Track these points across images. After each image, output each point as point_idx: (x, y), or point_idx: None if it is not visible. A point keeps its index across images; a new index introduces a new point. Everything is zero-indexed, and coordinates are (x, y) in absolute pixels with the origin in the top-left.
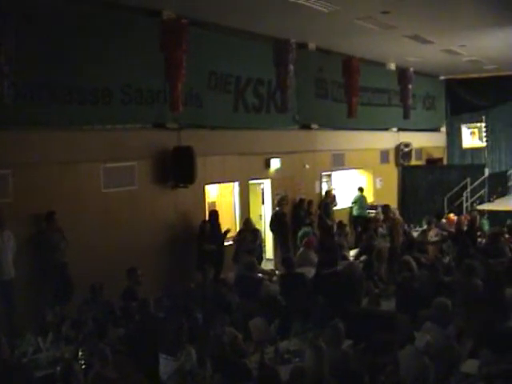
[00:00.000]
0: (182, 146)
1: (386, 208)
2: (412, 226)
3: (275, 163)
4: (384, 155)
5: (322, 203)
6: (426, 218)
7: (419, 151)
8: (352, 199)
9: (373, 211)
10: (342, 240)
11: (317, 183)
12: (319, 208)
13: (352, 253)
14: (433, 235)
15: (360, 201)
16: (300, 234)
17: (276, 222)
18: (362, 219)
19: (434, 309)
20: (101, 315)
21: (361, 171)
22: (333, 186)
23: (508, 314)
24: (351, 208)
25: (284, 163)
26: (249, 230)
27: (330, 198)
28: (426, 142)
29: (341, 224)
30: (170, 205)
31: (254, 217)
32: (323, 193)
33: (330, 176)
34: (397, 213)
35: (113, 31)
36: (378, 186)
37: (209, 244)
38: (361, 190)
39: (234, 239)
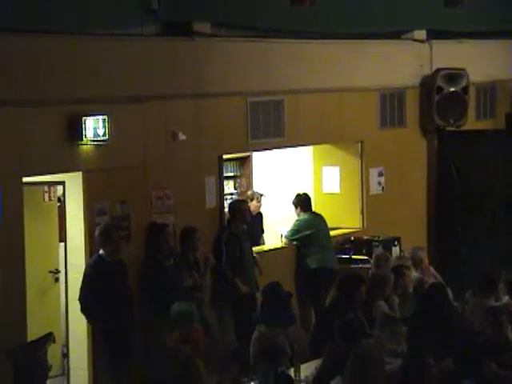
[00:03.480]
0: None
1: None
2: (469, 294)
3: (93, 128)
4: (390, 106)
5: (223, 234)
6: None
7: (490, 91)
8: (290, 228)
9: (362, 258)
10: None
11: (209, 183)
12: (216, 248)
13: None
14: None
15: (315, 233)
16: (172, 314)
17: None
18: (329, 278)
19: None
20: None
21: (328, 151)
22: (253, 191)
23: None
24: (298, 250)
25: (117, 128)
26: None
27: (242, 221)
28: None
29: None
30: None
31: (39, 276)
32: (227, 208)
33: (245, 163)
34: (424, 259)
35: None
36: (376, 188)
37: None
38: (304, 203)
39: None
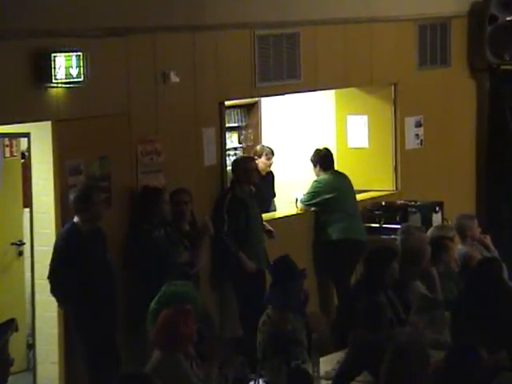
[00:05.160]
0: None
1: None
2: None
3: (65, 67)
4: (431, 40)
5: (225, 199)
6: None
7: None
8: (307, 191)
9: (395, 227)
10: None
11: (208, 135)
12: (217, 216)
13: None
14: None
15: (338, 196)
16: (160, 296)
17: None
18: (355, 252)
19: None
20: None
21: (354, 96)
22: (262, 145)
23: None
24: (317, 218)
25: (95, 68)
26: None
27: (249, 183)
28: None
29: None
30: None
31: None
32: (230, 167)
33: (252, 111)
34: (473, 229)
35: None
36: (413, 142)
37: None
38: (324, 160)
39: None
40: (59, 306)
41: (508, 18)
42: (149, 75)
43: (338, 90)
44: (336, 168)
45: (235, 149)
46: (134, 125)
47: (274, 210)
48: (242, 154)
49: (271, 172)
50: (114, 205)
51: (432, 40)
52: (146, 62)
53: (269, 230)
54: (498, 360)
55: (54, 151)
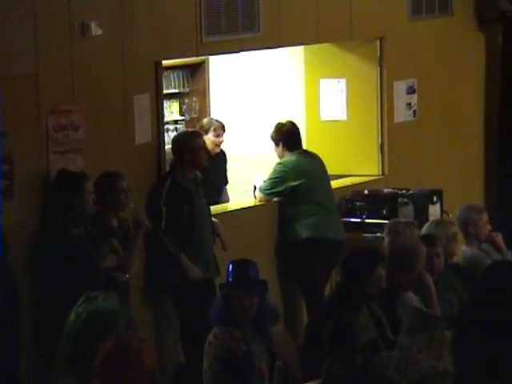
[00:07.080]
0: None
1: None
2: None
3: None
4: None
5: (163, 187)
6: None
7: None
8: (269, 177)
9: (381, 222)
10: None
11: (141, 104)
12: (152, 208)
13: None
14: None
15: (308, 184)
16: (78, 311)
17: None
18: (330, 254)
19: None
20: None
21: (329, 54)
22: (210, 118)
23: None
24: (283, 211)
25: None
26: None
27: (194, 166)
28: None
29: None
30: None
31: None
32: (169, 145)
33: (197, 74)
34: (481, 224)
35: None
36: (404, 113)
37: None
38: (289, 138)
39: None
40: None
41: None
42: (63, 26)
43: (308, 47)
44: (305, 147)
45: (176, 122)
46: (44, 91)
47: (227, 201)
48: (184, 128)
49: (222, 152)
50: (17, 194)
51: None
52: (59, 10)
53: (218, 235)
54: None
55: None
